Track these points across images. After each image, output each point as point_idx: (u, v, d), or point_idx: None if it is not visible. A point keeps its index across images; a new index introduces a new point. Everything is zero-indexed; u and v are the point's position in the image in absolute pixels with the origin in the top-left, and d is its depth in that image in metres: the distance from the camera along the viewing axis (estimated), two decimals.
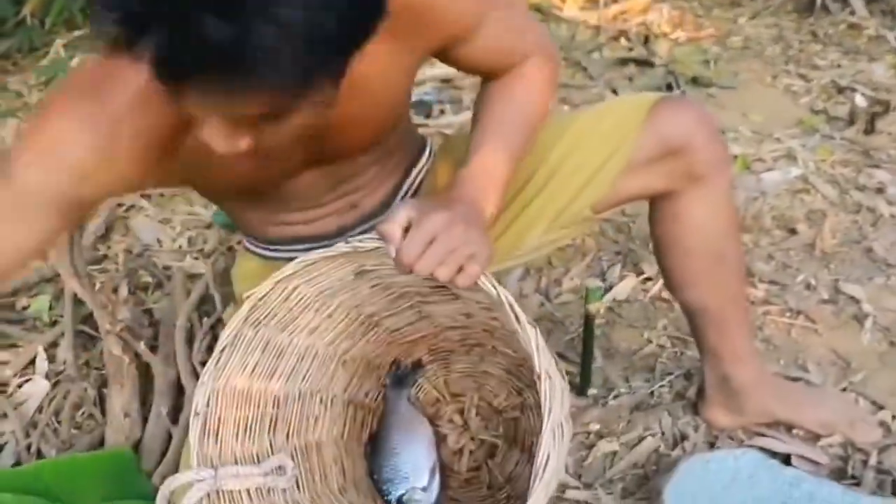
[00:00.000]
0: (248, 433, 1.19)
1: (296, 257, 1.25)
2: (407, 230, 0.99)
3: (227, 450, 1.14)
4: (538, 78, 1.20)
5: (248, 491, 1.13)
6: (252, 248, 1.37)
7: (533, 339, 0.97)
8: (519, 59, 1.19)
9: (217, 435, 1.12)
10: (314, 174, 1.20)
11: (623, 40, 3.14)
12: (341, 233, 1.29)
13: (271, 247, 1.34)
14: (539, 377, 0.95)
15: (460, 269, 0.98)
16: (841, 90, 2.72)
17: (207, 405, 1.12)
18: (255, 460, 1.19)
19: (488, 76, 1.22)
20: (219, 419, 1.14)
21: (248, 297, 1.14)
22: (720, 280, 1.37)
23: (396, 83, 1.13)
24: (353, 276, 1.19)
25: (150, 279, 1.98)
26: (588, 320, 1.53)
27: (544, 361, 0.96)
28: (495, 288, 0.99)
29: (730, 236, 1.36)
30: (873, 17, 3.20)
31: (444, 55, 1.14)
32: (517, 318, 0.98)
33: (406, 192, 1.34)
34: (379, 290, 1.24)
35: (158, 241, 2.11)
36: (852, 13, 3.23)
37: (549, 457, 0.92)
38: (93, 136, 0.97)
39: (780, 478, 1.30)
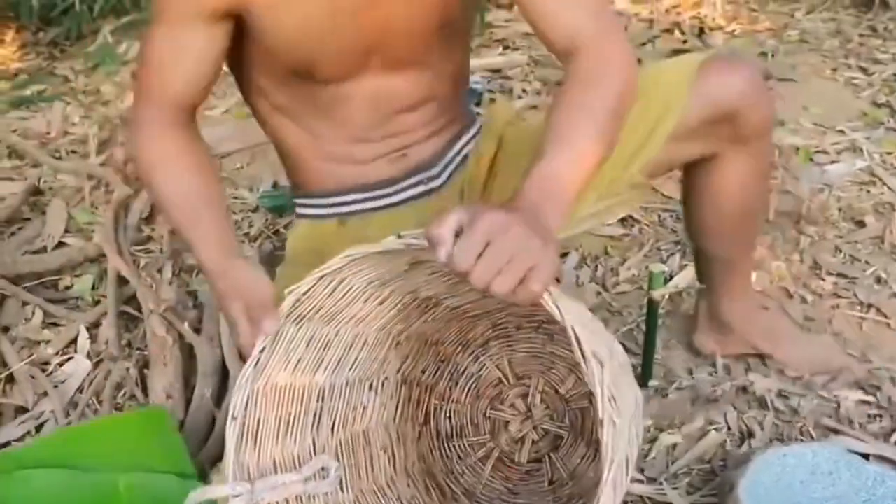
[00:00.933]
0: (289, 432, 1.10)
1: (342, 212, 1.27)
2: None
3: (265, 454, 1.05)
4: (619, 82, 1.08)
5: (286, 501, 1.05)
6: (302, 210, 1.35)
7: (597, 377, 0.82)
8: (578, 39, 1.09)
9: (256, 438, 1.03)
10: (368, 93, 1.20)
11: (677, 32, 3.06)
12: (389, 184, 1.28)
13: (321, 200, 1.32)
14: (602, 423, 0.83)
15: (522, 281, 0.86)
16: None
17: (246, 408, 1.02)
18: (297, 463, 1.10)
19: (543, 39, 1.13)
20: (258, 420, 1.05)
21: (289, 292, 1.02)
22: (743, 233, 1.42)
23: None
24: (406, 267, 1.06)
25: (193, 262, 1.94)
26: (651, 307, 1.45)
27: (608, 407, 0.82)
28: (559, 310, 0.86)
29: (762, 194, 1.39)
30: None
31: None
32: (582, 351, 0.84)
33: (454, 156, 1.33)
34: (437, 277, 1.12)
35: None
36: None
37: None
38: None
39: (862, 474, 1.21)
